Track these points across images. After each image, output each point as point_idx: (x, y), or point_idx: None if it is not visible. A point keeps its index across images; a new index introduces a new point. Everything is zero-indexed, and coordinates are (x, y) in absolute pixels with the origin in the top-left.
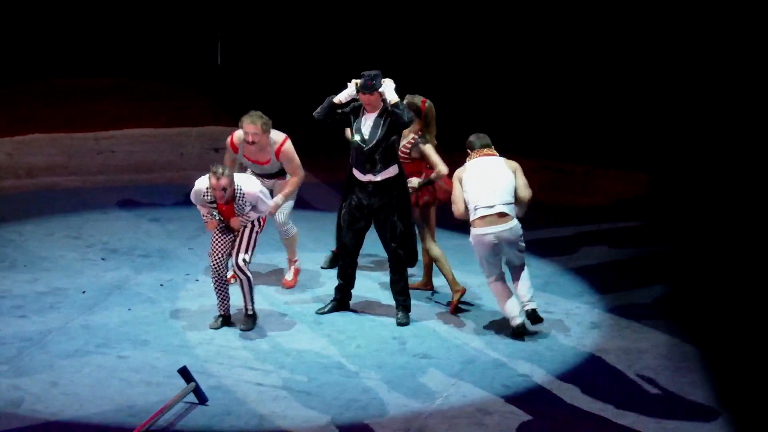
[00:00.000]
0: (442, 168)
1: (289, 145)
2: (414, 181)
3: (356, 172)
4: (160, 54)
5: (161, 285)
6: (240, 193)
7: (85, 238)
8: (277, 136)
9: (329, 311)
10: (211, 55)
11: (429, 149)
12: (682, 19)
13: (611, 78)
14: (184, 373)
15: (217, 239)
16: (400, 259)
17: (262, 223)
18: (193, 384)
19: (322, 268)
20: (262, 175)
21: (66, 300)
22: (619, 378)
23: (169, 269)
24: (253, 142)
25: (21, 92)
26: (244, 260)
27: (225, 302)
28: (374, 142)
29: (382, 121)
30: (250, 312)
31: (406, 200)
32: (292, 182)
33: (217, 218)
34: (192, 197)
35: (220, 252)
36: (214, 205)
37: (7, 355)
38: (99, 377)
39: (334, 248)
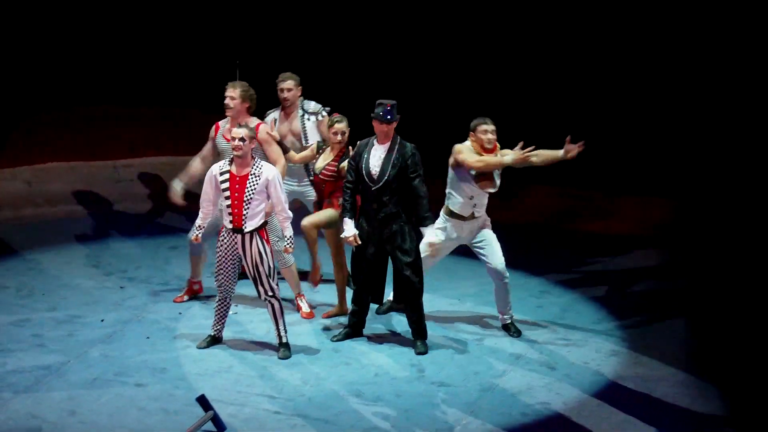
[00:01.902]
0: None
1: (266, 126)
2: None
3: (364, 205)
4: (179, 81)
5: (180, 313)
6: (258, 165)
7: (104, 266)
8: (255, 121)
9: (343, 338)
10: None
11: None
12: (707, 45)
13: (632, 104)
14: (203, 401)
15: (222, 259)
16: (413, 287)
17: (267, 241)
18: (211, 412)
19: (377, 313)
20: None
21: (84, 328)
22: (638, 405)
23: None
24: (228, 107)
25: (40, 121)
26: (272, 288)
27: (220, 323)
28: (383, 181)
29: (393, 159)
30: (284, 340)
31: (414, 228)
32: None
33: (200, 235)
34: (204, 189)
35: (226, 273)
36: (227, 176)
37: (25, 384)
38: (117, 406)
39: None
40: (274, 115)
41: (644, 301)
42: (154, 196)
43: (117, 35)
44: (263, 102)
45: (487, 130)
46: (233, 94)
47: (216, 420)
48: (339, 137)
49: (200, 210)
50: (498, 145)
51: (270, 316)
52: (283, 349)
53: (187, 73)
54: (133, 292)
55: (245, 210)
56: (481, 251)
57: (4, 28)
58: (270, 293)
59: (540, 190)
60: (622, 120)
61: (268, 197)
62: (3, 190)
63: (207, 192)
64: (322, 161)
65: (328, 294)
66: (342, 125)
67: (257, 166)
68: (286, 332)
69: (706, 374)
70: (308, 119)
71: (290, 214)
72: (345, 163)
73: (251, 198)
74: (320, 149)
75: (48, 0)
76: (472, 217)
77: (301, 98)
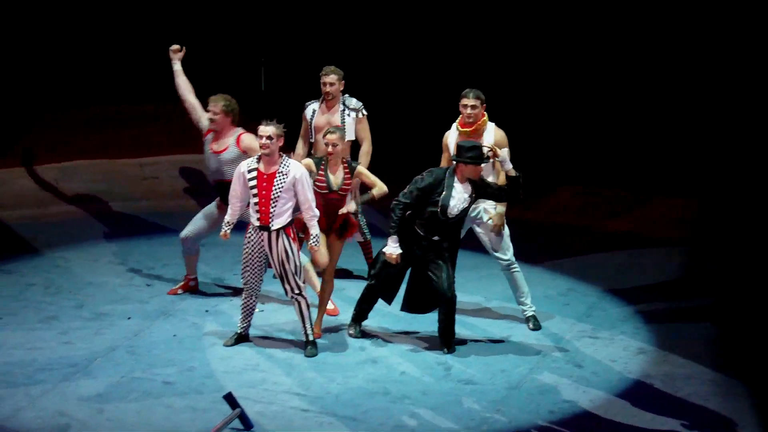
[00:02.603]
0: (383, 184)
1: (250, 135)
2: (352, 206)
3: (418, 229)
4: (203, 79)
5: (206, 311)
6: (285, 163)
7: (131, 264)
8: (239, 131)
9: (356, 333)
10: (255, 81)
11: (364, 169)
12: (727, 44)
13: (659, 103)
14: (230, 398)
15: (249, 256)
16: (443, 284)
17: (294, 240)
18: (238, 410)
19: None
20: (217, 172)
21: (111, 326)
22: (666, 404)
23: (214, 295)
24: (211, 120)
25: (65, 119)
26: (299, 286)
27: (246, 320)
28: (458, 217)
29: (468, 195)
30: (311, 338)
31: (455, 246)
32: None
33: (229, 231)
34: (232, 187)
35: (252, 270)
36: (254, 173)
37: (53, 381)
38: (145, 403)
39: None
40: (313, 106)
41: (671, 299)
42: (180, 194)
43: (146, 32)
44: (302, 92)
45: (466, 105)
46: (215, 108)
47: (243, 417)
48: (330, 148)
49: (229, 207)
50: (485, 119)
51: (297, 314)
52: (310, 347)
53: (210, 72)
54: (159, 289)
55: (272, 207)
56: (482, 236)
57: (32, 24)
58: (296, 291)
59: (565, 189)
60: (648, 118)
61: (295, 195)
62: (29, 187)
63: (236, 189)
64: (338, 177)
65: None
66: (334, 136)
67: (285, 164)
68: (312, 330)
69: (734, 372)
70: (348, 115)
71: (317, 212)
72: (356, 173)
73: (278, 196)
74: (318, 165)
75: None
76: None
77: (344, 93)
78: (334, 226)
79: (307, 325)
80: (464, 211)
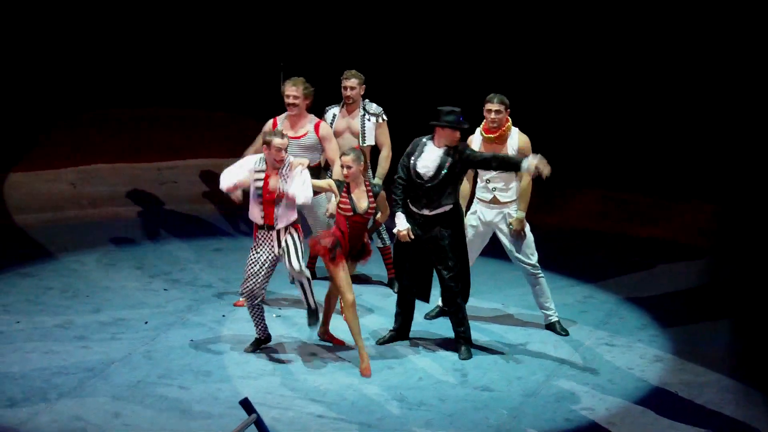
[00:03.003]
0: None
1: (326, 123)
2: (332, 206)
3: (411, 205)
4: (221, 83)
5: (223, 316)
6: (287, 163)
7: (148, 268)
8: (315, 119)
9: (388, 341)
10: (275, 85)
11: (383, 195)
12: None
13: (678, 108)
14: (246, 404)
15: (253, 264)
16: (452, 292)
17: (299, 232)
18: (254, 416)
19: (426, 318)
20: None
21: (128, 330)
22: (683, 412)
23: (231, 300)
24: (292, 105)
25: (83, 122)
26: (300, 266)
27: (260, 325)
28: (438, 180)
29: (449, 160)
30: (312, 307)
31: (459, 232)
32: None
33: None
34: (228, 176)
35: (255, 277)
36: (261, 175)
37: (69, 386)
38: (161, 408)
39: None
40: (333, 111)
41: (689, 306)
42: (198, 198)
43: (163, 38)
44: (321, 97)
45: (490, 110)
46: (297, 92)
47: (259, 423)
48: (345, 170)
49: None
50: (509, 124)
51: (298, 290)
52: (311, 316)
53: (229, 76)
54: (176, 294)
55: (276, 207)
56: (504, 241)
57: (52, 28)
58: (298, 270)
59: (585, 194)
60: (671, 124)
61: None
62: (47, 191)
63: (235, 173)
64: (363, 201)
65: (386, 320)
66: (348, 158)
67: (287, 164)
68: (314, 300)
69: (751, 380)
70: (368, 120)
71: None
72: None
73: (282, 187)
74: (341, 188)
75: (93, 2)
76: (496, 201)
77: (365, 98)
78: (353, 251)
79: (310, 298)
80: (441, 176)
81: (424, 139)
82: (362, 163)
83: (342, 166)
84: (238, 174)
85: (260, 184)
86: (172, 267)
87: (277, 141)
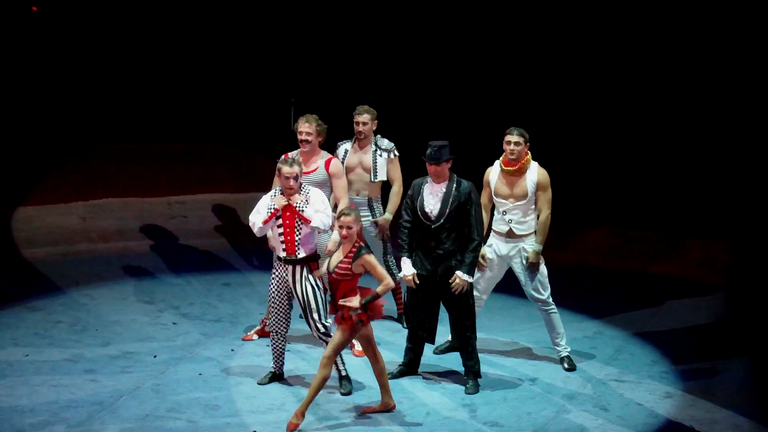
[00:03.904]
0: (390, 280)
1: (337, 160)
2: (354, 301)
3: (418, 248)
4: (232, 119)
5: (232, 350)
6: (305, 191)
7: (157, 302)
8: (327, 155)
9: (397, 376)
10: (286, 121)
11: (373, 259)
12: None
13: (691, 146)
14: None
15: (275, 294)
16: (462, 325)
17: (322, 284)
18: None
19: (435, 353)
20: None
21: (137, 364)
22: None
23: (240, 334)
24: (305, 141)
25: (94, 156)
26: (324, 326)
27: (279, 360)
28: (442, 220)
29: (451, 198)
30: (343, 373)
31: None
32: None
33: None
34: (256, 217)
35: (277, 309)
36: (279, 214)
37: (78, 419)
38: None
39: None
40: (345, 146)
41: (699, 343)
42: (208, 233)
43: (175, 73)
44: (333, 132)
45: (509, 141)
46: (310, 129)
47: None
48: (344, 231)
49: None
50: (529, 157)
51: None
52: (345, 381)
53: (240, 111)
54: (185, 328)
55: (297, 236)
56: (519, 275)
57: (65, 63)
58: (321, 331)
59: (596, 231)
60: (684, 161)
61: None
62: (58, 225)
63: (260, 213)
64: (335, 259)
65: (395, 355)
66: (349, 218)
67: (305, 192)
68: (344, 365)
69: (763, 418)
70: (380, 155)
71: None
72: (359, 262)
73: (302, 223)
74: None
75: (104, 37)
76: (511, 235)
77: (376, 134)
78: (344, 314)
79: (338, 361)
80: (445, 215)
81: (420, 180)
82: (361, 223)
83: (342, 227)
84: (262, 212)
85: (278, 214)
86: (182, 301)
87: (285, 169)
